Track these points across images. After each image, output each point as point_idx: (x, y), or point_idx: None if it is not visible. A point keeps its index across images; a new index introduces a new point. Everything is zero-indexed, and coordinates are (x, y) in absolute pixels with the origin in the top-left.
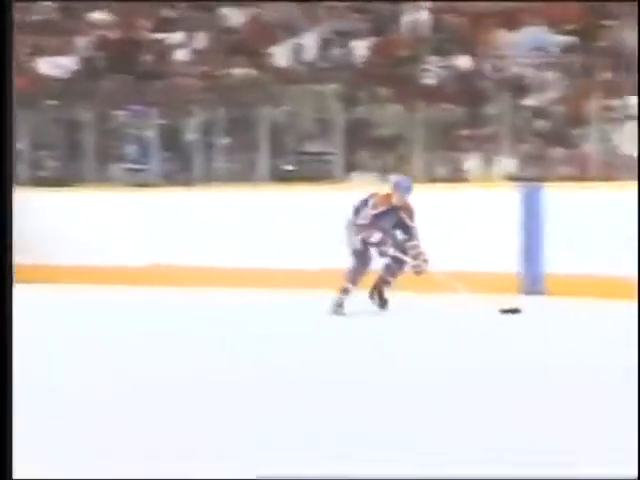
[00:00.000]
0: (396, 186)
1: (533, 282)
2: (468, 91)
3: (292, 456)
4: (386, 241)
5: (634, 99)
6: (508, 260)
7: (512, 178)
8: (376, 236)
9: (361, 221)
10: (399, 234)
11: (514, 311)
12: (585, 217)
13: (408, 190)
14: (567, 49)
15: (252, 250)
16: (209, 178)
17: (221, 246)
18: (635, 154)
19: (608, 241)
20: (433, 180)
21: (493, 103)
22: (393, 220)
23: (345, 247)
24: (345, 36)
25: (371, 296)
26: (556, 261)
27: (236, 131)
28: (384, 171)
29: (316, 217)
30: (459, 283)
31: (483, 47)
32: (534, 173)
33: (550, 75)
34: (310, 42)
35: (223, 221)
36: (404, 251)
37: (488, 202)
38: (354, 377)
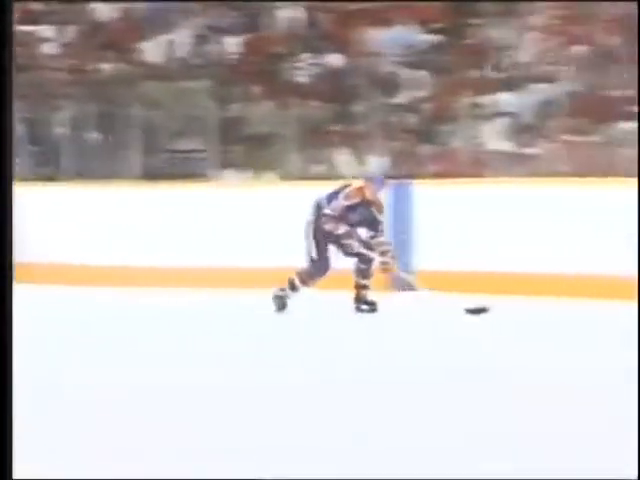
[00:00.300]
0: (370, 179)
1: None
2: (339, 89)
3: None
4: (351, 236)
5: (500, 96)
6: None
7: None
8: (342, 229)
9: (329, 212)
10: (364, 232)
11: (481, 310)
12: (454, 213)
13: (382, 184)
14: (435, 47)
15: (119, 247)
16: (77, 174)
17: (86, 243)
18: (502, 149)
19: (478, 237)
20: (306, 177)
21: (363, 101)
22: (362, 214)
23: (302, 250)
24: (218, 32)
25: (358, 309)
26: (426, 257)
27: (106, 127)
28: (257, 169)
29: (187, 215)
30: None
31: (354, 45)
32: (404, 170)
33: (419, 73)
34: (182, 38)
35: (89, 218)
36: (370, 248)
37: None
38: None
